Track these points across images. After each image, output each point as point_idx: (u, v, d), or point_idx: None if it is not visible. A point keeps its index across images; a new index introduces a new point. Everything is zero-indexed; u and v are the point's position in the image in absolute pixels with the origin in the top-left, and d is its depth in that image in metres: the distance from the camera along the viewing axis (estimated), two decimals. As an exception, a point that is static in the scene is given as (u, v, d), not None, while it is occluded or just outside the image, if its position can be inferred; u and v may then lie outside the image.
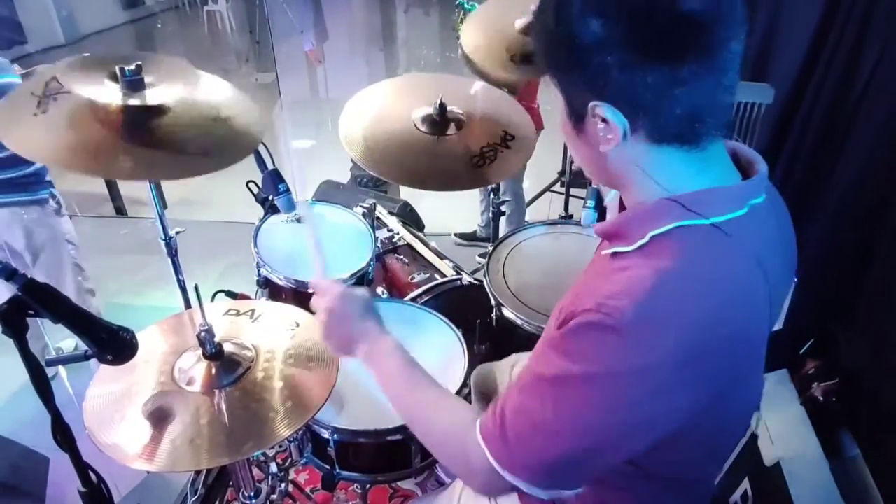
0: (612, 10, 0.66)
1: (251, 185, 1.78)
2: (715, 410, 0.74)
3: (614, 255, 0.77)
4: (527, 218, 3.24)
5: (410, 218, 2.87)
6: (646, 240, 0.73)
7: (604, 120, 0.71)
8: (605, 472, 0.80)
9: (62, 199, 2.38)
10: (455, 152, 1.69)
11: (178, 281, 1.76)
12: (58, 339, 2.59)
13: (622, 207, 0.84)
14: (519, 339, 1.61)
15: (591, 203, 1.43)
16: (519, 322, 1.63)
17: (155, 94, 1.40)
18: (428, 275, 2.04)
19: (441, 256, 2.15)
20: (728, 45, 0.67)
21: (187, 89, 1.46)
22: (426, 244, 2.23)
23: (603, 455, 0.75)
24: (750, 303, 0.74)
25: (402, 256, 2.18)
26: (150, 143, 1.37)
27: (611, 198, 1.27)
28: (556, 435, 0.72)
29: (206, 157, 1.40)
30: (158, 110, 1.41)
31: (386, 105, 1.77)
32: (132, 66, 1.39)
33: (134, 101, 1.36)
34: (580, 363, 0.70)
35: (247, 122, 1.51)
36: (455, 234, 3.47)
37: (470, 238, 3.45)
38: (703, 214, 0.71)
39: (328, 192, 3.09)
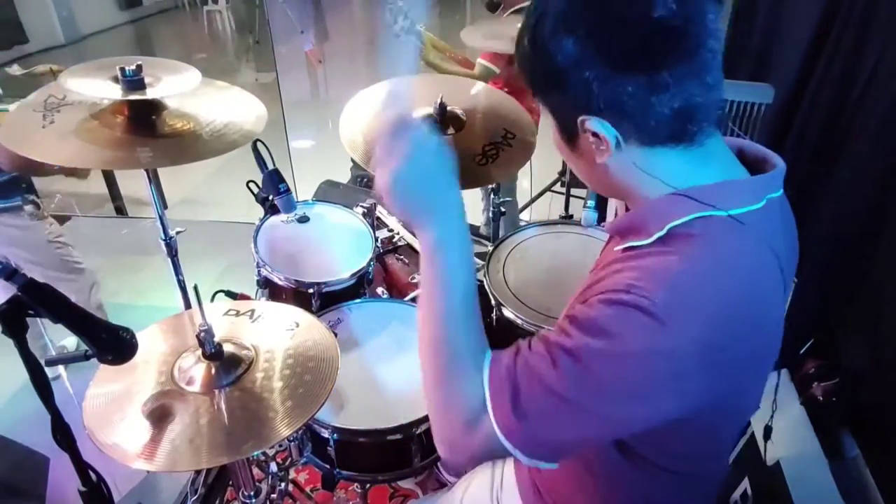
0: (583, 26, 0.66)
1: (251, 185, 1.78)
2: (726, 398, 0.73)
3: (629, 249, 0.77)
4: (527, 218, 3.23)
5: (410, 218, 2.87)
6: (664, 232, 0.73)
7: (594, 134, 0.72)
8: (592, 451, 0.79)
9: (42, 202, 2.28)
10: (457, 152, 1.69)
11: (178, 281, 1.76)
12: (57, 338, 2.59)
13: (628, 208, 0.84)
14: (519, 340, 1.60)
15: (591, 203, 1.44)
16: (519, 322, 1.62)
17: (154, 91, 1.47)
18: (428, 275, 2.03)
19: (441, 256, 2.15)
20: (705, 44, 0.67)
21: (184, 83, 1.51)
22: (426, 244, 2.23)
23: (606, 435, 0.75)
24: (769, 289, 0.75)
25: (402, 256, 2.17)
26: (157, 135, 1.47)
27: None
28: (570, 411, 0.70)
29: (214, 141, 1.47)
30: (159, 105, 1.52)
31: (386, 105, 1.77)
32: (133, 67, 1.43)
33: (135, 97, 1.44)
34: (603, 339, 0.68)
35: (249, 104, 1.63)
36: None
37: (473, 233, 3.46)
38: (717, 206, 0.72)
39: (328, 192, 3.07)
